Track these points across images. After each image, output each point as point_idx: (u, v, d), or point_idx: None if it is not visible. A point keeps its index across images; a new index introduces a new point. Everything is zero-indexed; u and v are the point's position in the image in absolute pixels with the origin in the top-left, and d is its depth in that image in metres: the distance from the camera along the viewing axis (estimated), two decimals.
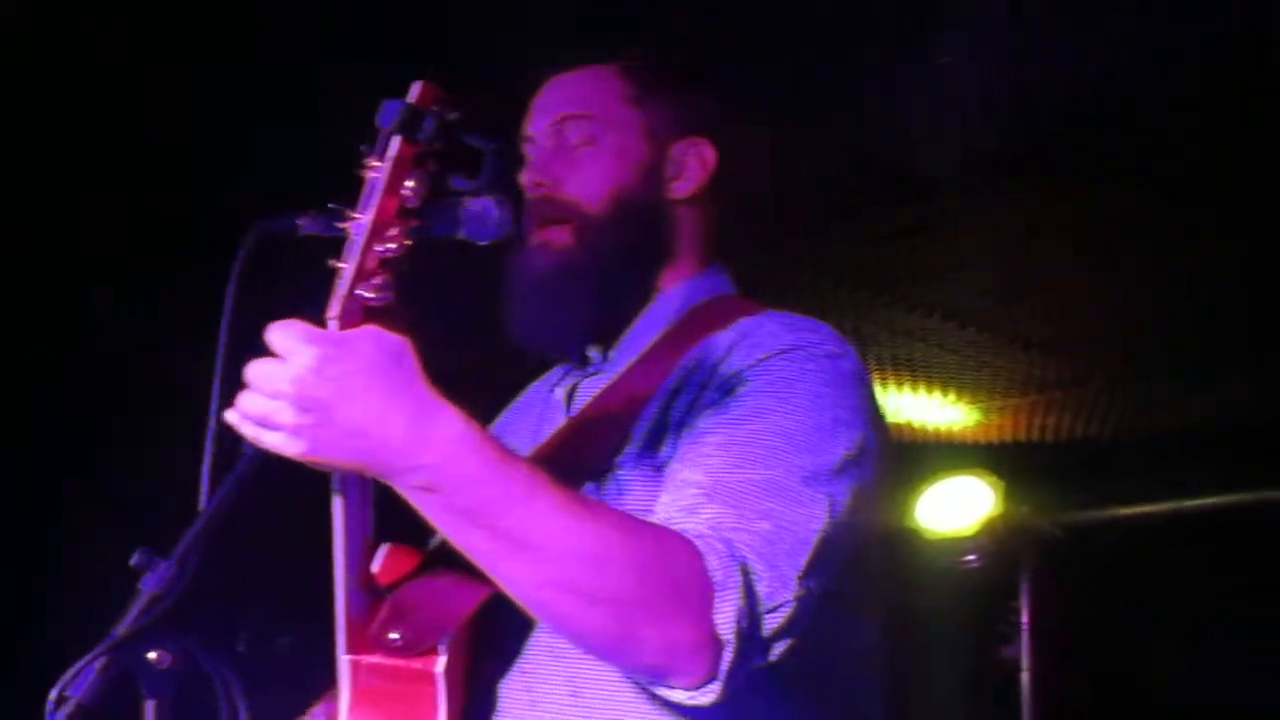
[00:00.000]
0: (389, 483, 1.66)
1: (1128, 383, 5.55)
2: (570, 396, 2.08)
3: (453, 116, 1.70)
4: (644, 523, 1.74)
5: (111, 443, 4.69)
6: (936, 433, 6.13)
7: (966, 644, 6.50)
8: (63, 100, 3.69)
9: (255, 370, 1.61)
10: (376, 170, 1.67)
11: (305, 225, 1.79)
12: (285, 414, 1.59)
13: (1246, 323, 4.93)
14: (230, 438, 1.66)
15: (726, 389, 1.87)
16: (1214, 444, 5.78)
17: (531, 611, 1.73)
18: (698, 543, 1.70)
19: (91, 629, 1.66)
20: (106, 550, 1.72)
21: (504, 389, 2.26)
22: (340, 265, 1.66)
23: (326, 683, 1.91)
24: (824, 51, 3.54)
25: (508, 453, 1.68)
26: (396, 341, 1.64)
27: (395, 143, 1.67)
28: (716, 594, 1.68)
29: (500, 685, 1.92)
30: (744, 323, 1.96)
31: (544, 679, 1.90)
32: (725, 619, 1.68)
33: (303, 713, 2.08)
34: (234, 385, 1.64)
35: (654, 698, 1.78)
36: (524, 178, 2.07)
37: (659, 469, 1.87)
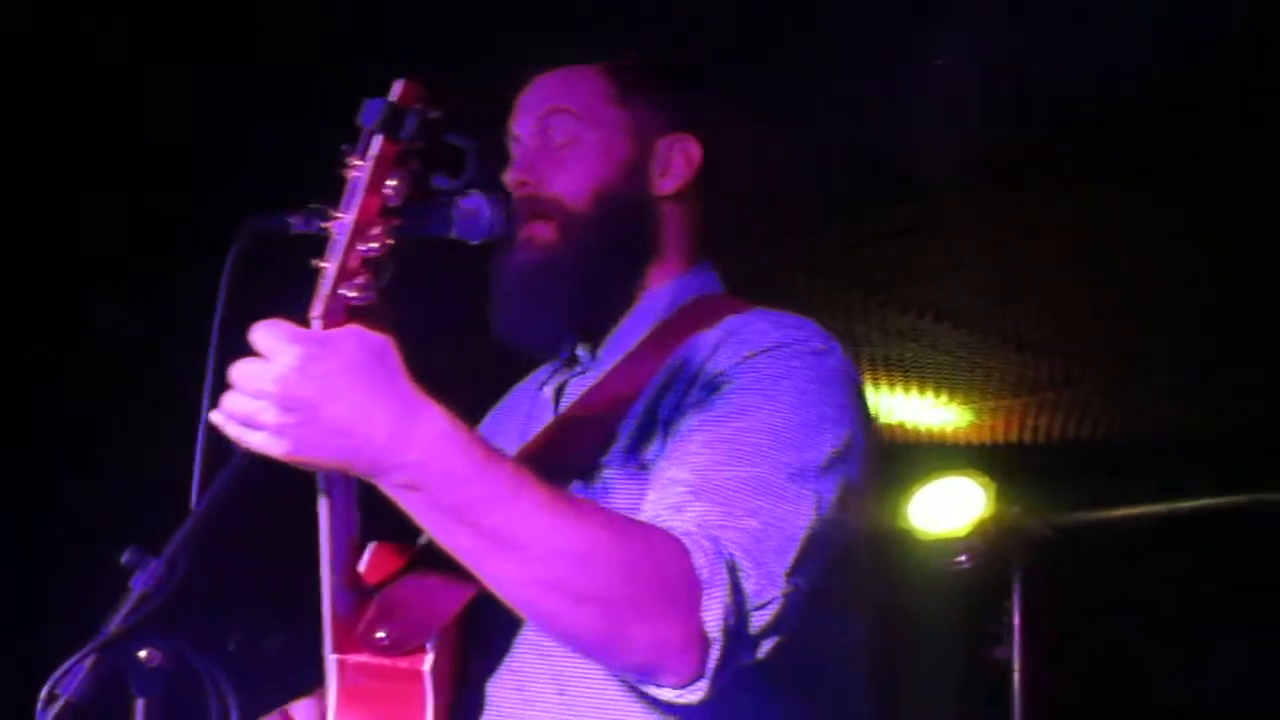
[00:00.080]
0: (374, 481, 1.65)
1: (1120, 384, 5.55)
2: (558, 395, 2.08)
3: (435, 115, 1.70)
4: (631, 521, 1.74)
5: (111, 443, 4.69)
6: (929, 433, 6.13)
7: (958, 644, 6.49)
8: (63, 100, 3.70)
9: (239, 370, 1.61)
10: (358, 169, 1.67)
11: (296, 224, 1.78)
12: (269, 414, 1.59)
13: (1242, 324, 4.93)
14: (223, 437, 1.66)
15: (713, 387, 1.86)
16: (1205, 446, 5.79)
17: (518, 610, 1.72)
18: (685, 540, 1.70)
19: (91, 629, 1.66)
20: (106, 550, 1.72)
21: (494, 388, 2.26)
22: (323, 265, 1.66)
23: (315, 682, 1.91)
24: (822, 51, 3.54)
25: (493, 451, 1.68)
26: (380, 340, 1.63)
27: (377, 141, 1.67)
28: (704, 592, 1.67)
29: (489, 684, 1.92)
30: (731, 321, 1.95)
31: (534, 678, 1.89)
32: (713, 617, 1.67)
33: None
34: (227, 384, 1.64)
35: (641, 696, 1.77)
36: (509, 176, 2.06)
37: (646, 467, 1.87)
